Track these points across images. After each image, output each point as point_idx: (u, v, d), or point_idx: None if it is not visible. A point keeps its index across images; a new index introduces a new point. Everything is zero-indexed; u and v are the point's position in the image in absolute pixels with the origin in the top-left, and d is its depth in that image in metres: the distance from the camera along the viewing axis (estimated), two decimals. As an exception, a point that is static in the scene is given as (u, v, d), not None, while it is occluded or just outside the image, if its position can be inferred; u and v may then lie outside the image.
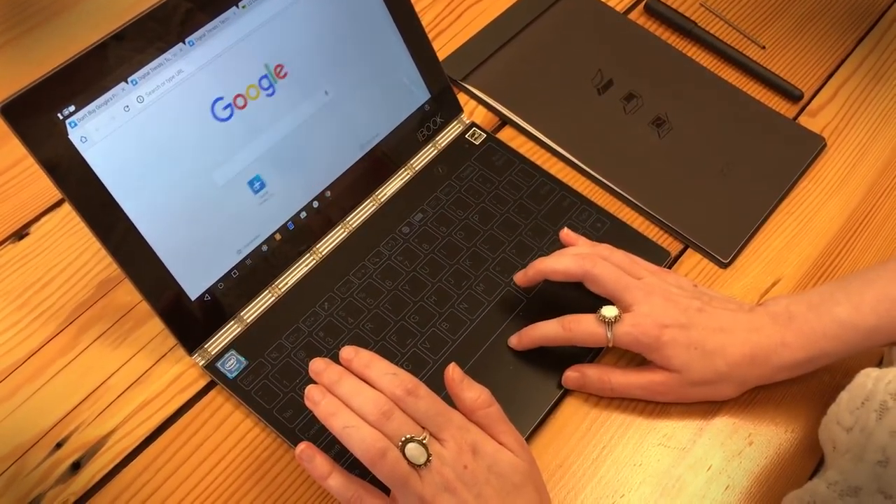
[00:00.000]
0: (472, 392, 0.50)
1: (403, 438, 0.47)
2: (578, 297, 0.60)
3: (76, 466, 0.56)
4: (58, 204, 0.68)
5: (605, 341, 0.56)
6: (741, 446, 0.58)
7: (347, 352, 0.52)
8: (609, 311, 0.56)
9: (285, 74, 0.62)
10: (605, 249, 0.60)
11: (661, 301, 0.56)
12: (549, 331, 0.58)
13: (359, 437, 0.47)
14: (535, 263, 0.61)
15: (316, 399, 0.49)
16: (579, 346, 0.58)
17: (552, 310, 0.61)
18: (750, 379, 0.57)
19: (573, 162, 0.71)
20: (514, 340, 0.60)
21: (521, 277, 0.62)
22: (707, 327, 0.56)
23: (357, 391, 0.49)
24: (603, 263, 0.58)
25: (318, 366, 0.51)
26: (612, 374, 0.59)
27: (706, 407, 0.60)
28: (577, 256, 0.59)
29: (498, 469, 0.48)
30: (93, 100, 0.53)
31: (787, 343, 0.55)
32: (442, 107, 0.71)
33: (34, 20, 0.78)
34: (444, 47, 0.78)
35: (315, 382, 0.51)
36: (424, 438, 0.47)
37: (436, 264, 0.65)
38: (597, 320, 0.57)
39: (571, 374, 0.59)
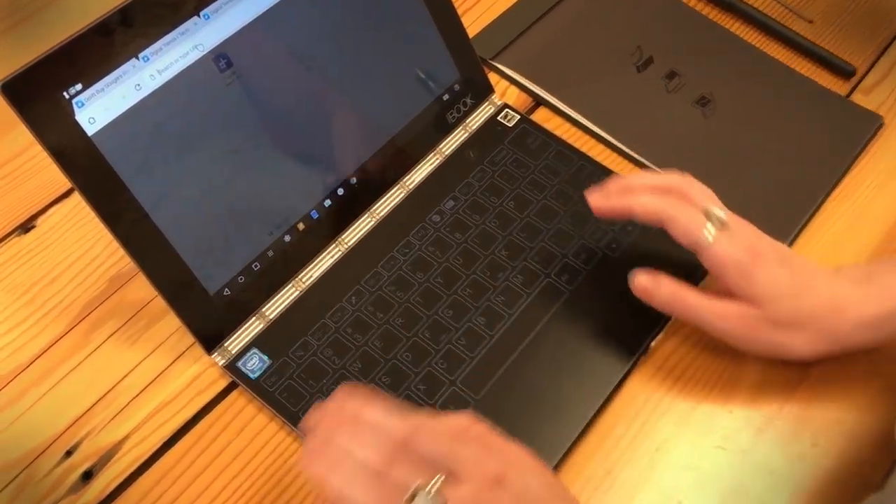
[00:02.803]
0: (454, 419, 0.44)
1: (410, 493, 0.41)
2: (626, 292, 0.56)
3: (88, 475, 0.53)
4: (66, 194, 0.65)
5: (699, 236, 0.52)
6: (805, 448, 0.54)
7: (339, 394, 0.46)
8: (719, 212, 0.52)
9: (307, 53, 0.58)
10: (685, 184, 0.55)
11: (752, 235, 0.53)
12: (648, 201, 0.53)
13: None
14: (615, 183, 0.55)
15: (308, 463, 0.44)
16: (673, 233, 0.53)
17: (598, 303, 0.58)
18: (827, 331, 0.53)
19: (613, 144, 0.67)
20: (596, 199, 0.55)
21: (599, 199, 0.55)
22: (797, 266, 0.53)
23: (350, 447, 0.43)
24: (683, 206, 0.53)
25: (309, 423, 0.46)
26: (688, 290, 0.54)
27: (766, 406, 0.55)
28: (655, 194, 0.54)
29: (532, 495, 0.42)
30: (101, 77, 0.49)
31: (868, 296, 0.52)
32: (472, 88, 0.67)
33: (36, 4, 0.75)
34: (472, 24, 0.74)
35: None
36: (435, 485, 0.41)
37: (469, 255, 0.61)
38: (703, 213, 0.52)
39: (644, 278, 0.55)
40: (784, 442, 0.54)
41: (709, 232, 0.52)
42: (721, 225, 0.52)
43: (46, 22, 0.74)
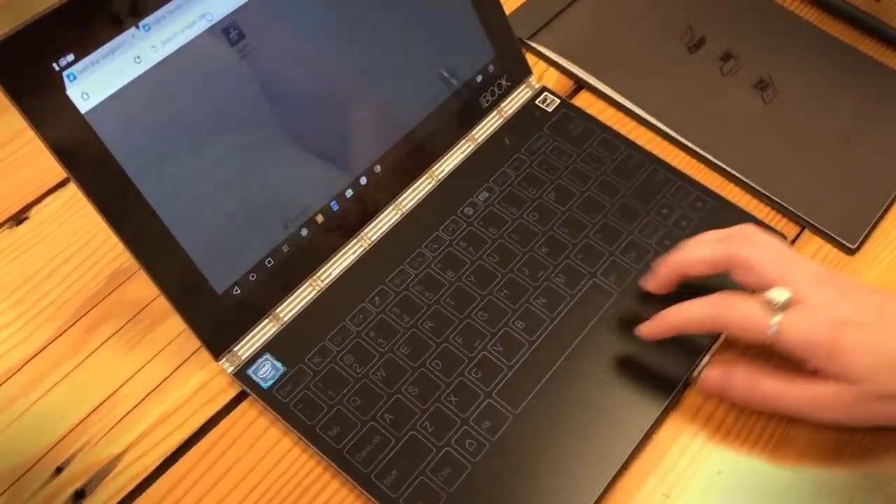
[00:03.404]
0: None
1: None
2: (682, 293, 0.50)
3: (80, 496, 0.48)
4: (62, 184, 0.60)
5: (764, 332, 0.45)
6: (891, 475, 0.48)
7: None
8: (779, 295, 0.45)
9: (328, 27, 0.53)
10: (748, 229, 0.49)
11: (835, 292, 0.46)
12: (694, 312, 0.47)
13: None
14: (666, 264, 0.50)
15: None
16: (731, 334, 0.48)
17: (651, 306, 0.51)
18: None
19: (664, 131, 0.62)
20: (646, 329, 0.50)
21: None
22: (891, 318, 0.45)
23: None
24: (752, 244, 0.47)
25: None
26: (763, 378, 0.48)
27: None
28: (714, 242, 0.48)
29: None
30: (96, 47, 0.44)
31: None
32: (508, 69, 0.62)
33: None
34: (508, 0, 0.68)
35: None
36: None
37: (506, 252, 0.55)
38: (760, 304, 0.45)
39: (714, 374, 0.49)
40: (865, 469, 0.49)
41: (774, 325, 0.45)
42: (785, 305, 0.45)
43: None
